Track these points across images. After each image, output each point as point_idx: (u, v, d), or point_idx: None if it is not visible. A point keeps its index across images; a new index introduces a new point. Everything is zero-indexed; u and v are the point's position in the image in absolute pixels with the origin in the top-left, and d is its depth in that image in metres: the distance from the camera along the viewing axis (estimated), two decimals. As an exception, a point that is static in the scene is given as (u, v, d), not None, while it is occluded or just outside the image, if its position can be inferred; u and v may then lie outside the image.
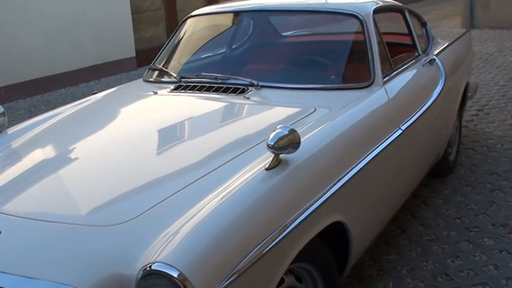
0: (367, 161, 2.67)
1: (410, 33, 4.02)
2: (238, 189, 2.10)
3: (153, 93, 3.34)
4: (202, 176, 2.24)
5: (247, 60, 3.70)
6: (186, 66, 3.67)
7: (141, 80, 3.74)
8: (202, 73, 3.35)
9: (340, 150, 2.60)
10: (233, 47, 3.83)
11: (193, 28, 3.92)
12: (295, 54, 3.65)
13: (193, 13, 3.96)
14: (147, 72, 3.76)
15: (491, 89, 7.08)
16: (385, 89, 3.17)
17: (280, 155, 2.23)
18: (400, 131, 3.04)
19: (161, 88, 3.40)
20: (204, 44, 3.89)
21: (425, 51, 4.08)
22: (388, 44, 3.59)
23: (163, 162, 2.50)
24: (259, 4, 3.83)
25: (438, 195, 4.25)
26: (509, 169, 4.62)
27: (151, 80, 3.64)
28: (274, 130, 2.20)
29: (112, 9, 9.65)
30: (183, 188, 2.16)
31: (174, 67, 3.66)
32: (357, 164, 2.60)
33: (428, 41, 4.28)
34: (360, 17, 3.35)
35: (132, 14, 10.02)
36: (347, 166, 2.55)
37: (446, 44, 4.46)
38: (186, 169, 2.37)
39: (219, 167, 2.30)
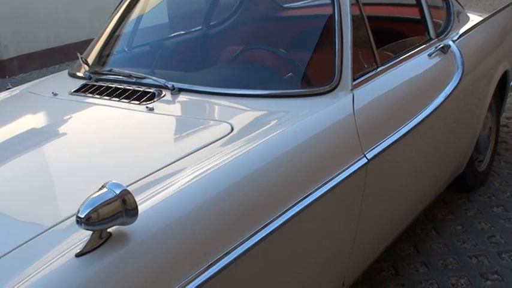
0: (287, 217, 1.74)
1: (420, 8, 2.99)
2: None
3: (52, 95, 2.53)
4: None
5: (179, 51, 2.79)
6: (109, 56, 2.80)
7: (66, 72, 2.94)
8: (114, 69, 2.51)
9: (240, 206, 1.67)
10: (175, 30, 2.94)
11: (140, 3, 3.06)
12: (237, 43, 2.70)
13: None
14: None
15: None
16: (353, 96, 2.20)
17: (109, 229, 1.41)
18: (364, 160, 2.11)
19: (69, 87, 2.57)
20: (140, 26, 2.98)
21: (442, 34, 3.05)
22: (384, 24, 2.63)
23: None
24: None
25: (457, 219, 3.30)
26: (558, 183, 3.59)
27: (75, 73, 2.80)
28: (100, 190, 1.38)
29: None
30: None
31: (101, 57, 2.84)
32: (269, 224, 1.71)
33: (449, 18, 3.20)
34: None
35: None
36: (244, 232, 1.65)
37: (477, 22, 3.39)
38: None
39: (21, 245, 1.47)
